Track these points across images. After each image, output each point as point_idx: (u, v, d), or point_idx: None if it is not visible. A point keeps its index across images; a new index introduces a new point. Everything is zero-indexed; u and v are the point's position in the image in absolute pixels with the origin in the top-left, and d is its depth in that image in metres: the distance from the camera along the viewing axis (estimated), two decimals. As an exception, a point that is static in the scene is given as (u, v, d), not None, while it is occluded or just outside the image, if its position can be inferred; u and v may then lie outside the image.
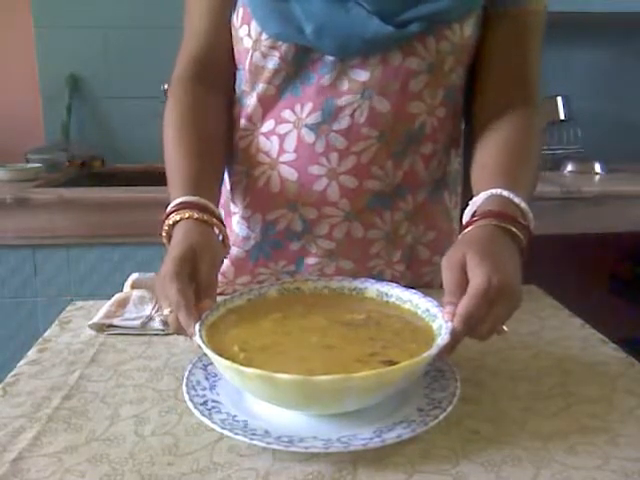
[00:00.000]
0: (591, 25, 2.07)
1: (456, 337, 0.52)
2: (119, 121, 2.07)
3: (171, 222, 0.64)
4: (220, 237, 0.66)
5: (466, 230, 0.61)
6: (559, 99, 2.06)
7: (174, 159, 0.72)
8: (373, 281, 0.66)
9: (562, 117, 2.06)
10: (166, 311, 0.56)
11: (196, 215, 0.64)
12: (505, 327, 0.55)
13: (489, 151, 0.71)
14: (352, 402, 0.50)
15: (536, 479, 0.46)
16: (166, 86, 1.90)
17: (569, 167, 2.02)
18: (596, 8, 1.83)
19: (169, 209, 0.66)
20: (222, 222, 0.67)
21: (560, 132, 2.10)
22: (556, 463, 0.48)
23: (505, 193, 0.62)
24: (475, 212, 0.63)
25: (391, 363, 0.50)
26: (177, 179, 0.69)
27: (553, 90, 2.07)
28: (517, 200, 0.61)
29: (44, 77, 2.01)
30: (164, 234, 0.65)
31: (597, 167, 1.99)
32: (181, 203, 0.65)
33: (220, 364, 0.50)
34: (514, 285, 0.54)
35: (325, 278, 0.68)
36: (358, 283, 0.66)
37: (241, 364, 0.48)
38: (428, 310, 0.59)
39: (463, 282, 0.54)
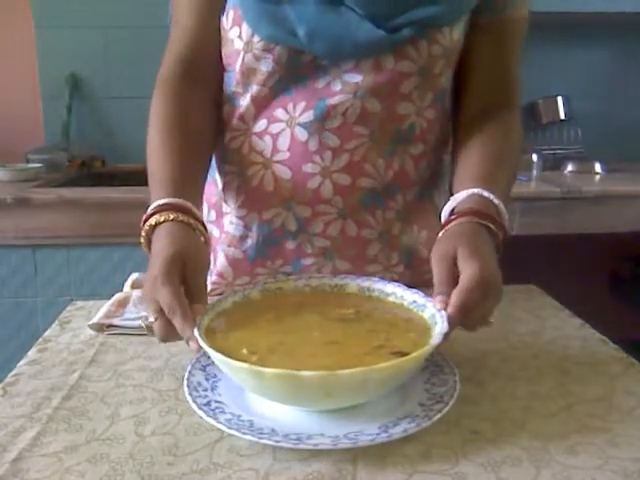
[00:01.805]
0: (591, 25, 2.07)
1: (451, 326, 0.53)
2: (119, 121, 2.07)
3: (153, 223, 0.62)
4: (202, 239, 0.65)
5: (449, 226, 0.63)
6: (559, 99, 2.06)
7: (156, 160, 0.70)
8: (353, 277, 0.67)
9: (562, 117, 2.07)
10: (151, 318, 0.55)
11: (180, 217, 0.62)
12: (492, 319, 0.57)
13: (471, 158, 0.73)
14: (369, 394, 0.51)
15: (536, 479, 0.46)
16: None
17: (569, 167, 2.02)
18: (596, 8, 1.84)
19: (149, 211, 0.64)
20: (204, 225, 0.66)
21: (560, 132, 2.10)
22: (556, 463, 0.48)
23: (485, 193, 0.65)
24: (456, 209, 0.66)
25: (402, 354, 0.51)
26: (158, 180, 0.68)
27: (553, 90, 2.07)
28: (496, 201, 0.65)
29: (44, 77, 2.02)
30: (143, 235, 0.63)
31: (597, 167, 2.00)
32: (163, 205, 0.63)
33: (234, 367, 0.49)
34: (498, 278, 0.57)
35: (305, 276, 0.68)
36: (338, 280, 0.67)
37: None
38: (415, 301, 0.61)
39: (453, 273, 0.57)
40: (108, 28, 2.00)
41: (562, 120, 2.06)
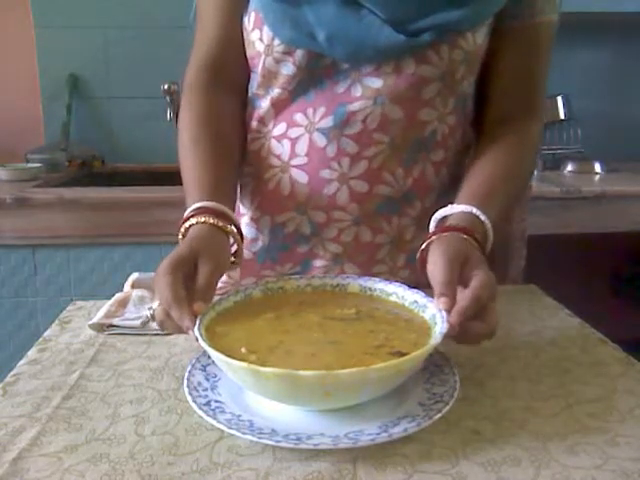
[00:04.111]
0: (591, 25, 2.07)
1: (462, 312, 0.53)
2: (119, 121, 2.07)
3: (187, 226, 0.64)
4: (234, 247, 0.65)
5: (444, 234, 0.63)
6: (559, 99, 2.06)
7: (191, 166, 0.71)
8: (355, 277, 0.67)
9: (562, 117, 2.06)
10: (155, 304, 0.57)
11: (211, 220, 0.63)
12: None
13: (482, 171, 0.72)
14: (367, 394, 0.51)
15: (536, 479, 0.46)
16: (166, 86, 1.90)
17: (569, 167, 2.02)
18: (596, 8, 1.84)
19: (187, 214, 0.65)
20: (240, 232, 0.66)
21: (560, 132, 2.10)
22: (556, 463, 0.48)
23: (482, 217, 0.65)
24: (448, 221, 0.66)
25: (401, 354, 0.51)
26: (195, 185, 0.69)
27: (553, 90, 2.07)
28: (488, 226, 0.65)
29: (44, 77, 2.02)
30: (180, 237, 0.65)
31: (597, 167, 2.00)
32: (199, 208, 0.65)
33: (233, 366, 0.49)
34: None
35: (307, 276, 0.68)
36: (340, 279, 0.67)
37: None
38: (416, 301, 0.61)
39: (460, 276, 0.57)
40: (108, 28, 2.00)
41: (562, 120, 2.06)
